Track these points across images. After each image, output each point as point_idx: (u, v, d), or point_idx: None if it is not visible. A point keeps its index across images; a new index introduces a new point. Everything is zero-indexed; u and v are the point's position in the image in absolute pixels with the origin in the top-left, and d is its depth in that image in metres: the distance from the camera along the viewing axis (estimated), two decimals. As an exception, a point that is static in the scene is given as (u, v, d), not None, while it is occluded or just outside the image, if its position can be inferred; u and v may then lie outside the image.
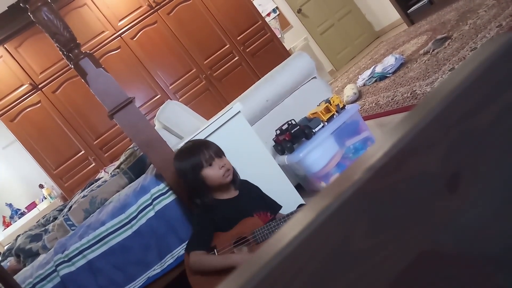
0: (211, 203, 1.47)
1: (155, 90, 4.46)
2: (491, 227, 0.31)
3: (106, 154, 4.32)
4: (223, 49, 4.60)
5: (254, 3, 4.93)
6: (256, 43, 4.71)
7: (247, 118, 1.96)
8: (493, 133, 0.31)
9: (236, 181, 1.53)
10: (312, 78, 2.41)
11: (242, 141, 1.75)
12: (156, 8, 4.45)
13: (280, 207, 1.58)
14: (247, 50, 4.67)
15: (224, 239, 1.40)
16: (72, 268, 1.67)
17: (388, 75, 3.25)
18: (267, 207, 1.52)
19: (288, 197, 1.72)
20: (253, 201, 1.52)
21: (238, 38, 4.65)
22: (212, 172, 1.44)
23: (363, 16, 6.04)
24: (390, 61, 3.32)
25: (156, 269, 1.67)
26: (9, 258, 2.17)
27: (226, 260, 1.36)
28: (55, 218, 2.34)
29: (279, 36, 5.50)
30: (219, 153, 1.50)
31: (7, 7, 3.98)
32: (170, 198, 1.68)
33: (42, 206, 4.64)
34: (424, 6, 4.41)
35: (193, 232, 1.52)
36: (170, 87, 4.49)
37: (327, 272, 0.25)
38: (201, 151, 1.46)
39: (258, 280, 0.23)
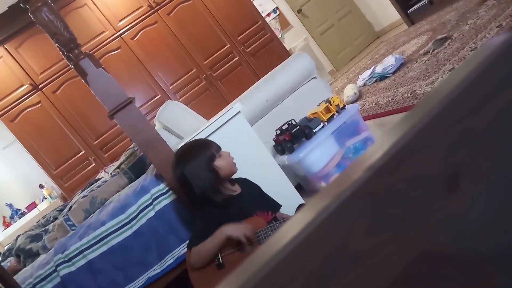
0: (226, 199, 1.46)
1: (155, 90, 4.46)
2: (491, 226, 0.31)
3: (106, 154, 4.32)
4: (223, 49, 4.60)
5: (254, 3, 4.93)
6: (256, 43, 4.71)
7: (247, 118, 1.96)
8: (493, 132, 0.31)
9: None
10: (312, 78, 2.41)
11: (242, 141, 1.75)
12: (156, 8, 4.45)
13: (279, 206, 1.58)
14: (247, 50, 4.67)
15: (230, 242, 1.40)
16: (72, 268, 1.67)
17: (388, 75, 3.24)
18: (268, 206, 1.53)
19: (288, 197, 1.72)
20: (255, 200, 1.53)
21: (238, 38, 4.65)
22: (223, 162, 1.47)
23: (363, 16, 6.04)
24: (390, 61, 3.32)
25: (156, 269, 1.67)
26: (9, 258, 2.17)
27: (218, 236, 1.35)
28: (55, 218, 2.34)
29: (279, 36, 5.50)
30: (220, 147, 1.54)
31: (8, 7, 3.99)
32: (170, 198, 1.68)
33: (42, 206, 4.64)
34: (424, 6, 4.41)
35: (196, 228, 1.52)
36: (170, 87, 4.49)
37: (327, 272, 0.25)
38: (208, 144, 1.50)
39: (258, 280, 0.23)
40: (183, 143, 1.65)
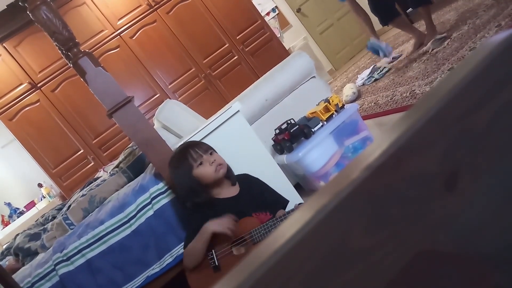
0: (211, 202, 1.46)
1: (154, 89, 4.46)
2: (489, 226, 0.31)
3: (105, 153, 4.31)
4: (222, 48, 4.60)
5: (253, 2, 4.93)
6: (256, 43, 4.71)
7: (246, 117, 1.95)
8: (492, 131, 0.31)
9: (230, 176, 1.53)
10: (311, 78, 2.41)
11: (241, 140, 1.75)
12: (155, 7, 4.44)
13: (286, 201, 1.56)
14: (247, 49, 4.67)
15: (222, 240, 1.40)
16: (71, 267, 1.66)
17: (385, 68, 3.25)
18: (269, 205, 1.51)
19: (287, 197, 1.72)
20: (253, 201, 1.50)
21: (238, 37, 4.64)
22: (204, 170, 1.45)
23: (363, 16, 6.03)
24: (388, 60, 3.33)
25: (155, 268, 1.66)
26: (7, 257, 2.17)
27: (202, 234, 1.36)
28: (54, 217, 2.34)
29: (278, 35, 5.49)
30: (208, 150, 1.51)
31: (6, 5, 3.98)
32: (169, 197, 1.68)
33: (41, 205, 4.64)
34: (423, 6, 4.40)
35: (188, 231, 1.52)
36: (169, 86, 4.49)
37: (325, 271, 0.25)
38: (187, 152, 1.48)
39: (255, 279, 0.23)
40: (182, 142, 1.65)
